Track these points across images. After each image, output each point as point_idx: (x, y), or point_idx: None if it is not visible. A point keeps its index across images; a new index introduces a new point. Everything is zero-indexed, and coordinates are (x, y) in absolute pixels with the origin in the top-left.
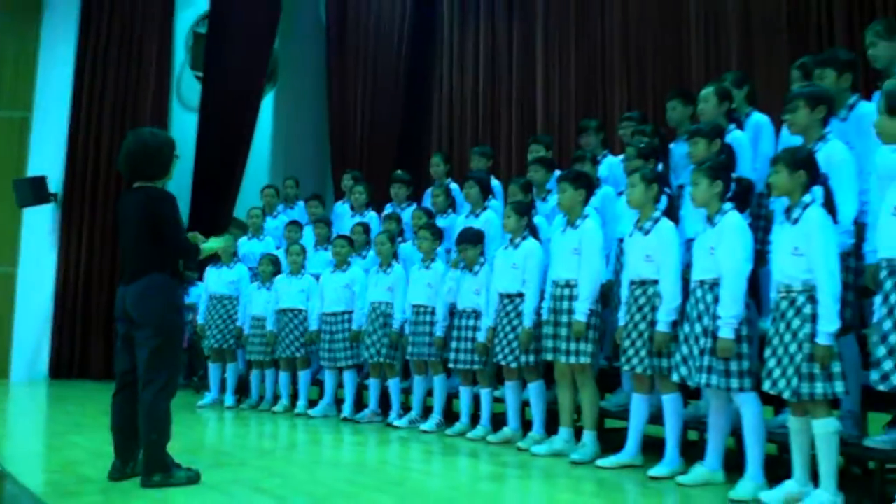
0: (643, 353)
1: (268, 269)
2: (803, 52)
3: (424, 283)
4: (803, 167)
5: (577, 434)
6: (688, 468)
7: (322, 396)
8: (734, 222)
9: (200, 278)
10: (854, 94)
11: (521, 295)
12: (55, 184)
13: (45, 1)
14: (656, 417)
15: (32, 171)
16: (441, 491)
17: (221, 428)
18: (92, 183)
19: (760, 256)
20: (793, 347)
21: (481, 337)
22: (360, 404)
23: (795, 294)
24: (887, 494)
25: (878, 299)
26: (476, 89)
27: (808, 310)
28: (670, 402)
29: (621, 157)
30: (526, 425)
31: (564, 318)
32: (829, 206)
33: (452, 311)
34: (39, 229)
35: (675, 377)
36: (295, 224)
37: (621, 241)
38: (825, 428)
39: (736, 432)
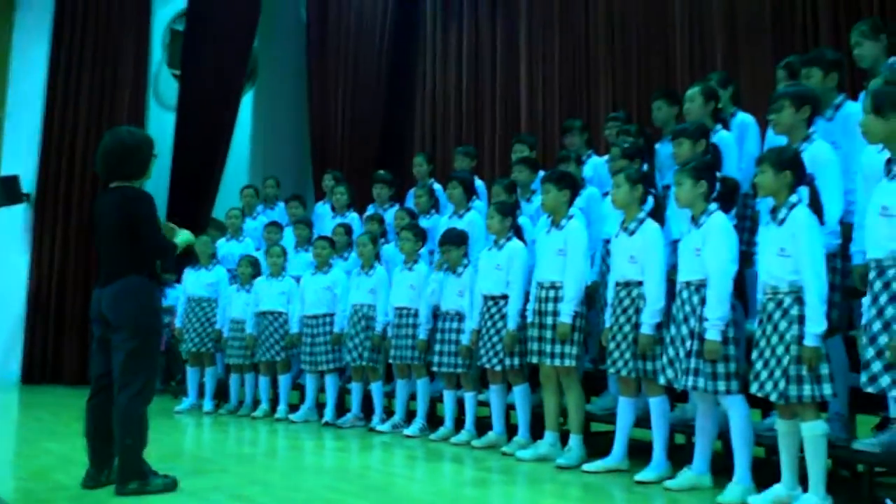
0: (628, 355)
1: (247, 271)
2: (788, 52)
3: (407, 284)
4: (789, 167)
5: (563, 438)
6: (675, 472)
7: (303, 401)
8: (719, 223)
9: (178, 280)
10: (840, 93)
11: (505, 297)
12: (28, 184)
13: None
14: (643, 420)
15: (5, 170)
16: (425, 497)
17: (200, 434)
18: (66, 183)
19: (746, 257)
20: (780, 349)
21: (465, 339)
22: (342, 409)
23: (782, 295)
24: (876, 497)
25: (866, 300)
26: (459, 87)
27: (794, 311)
28: (657, 406)
29: (606, 157)
30: (511, 429)
31: (549, 320)
32: (815, 206)
33: (436, 314)
34: (12, 230)
35: (661, 380)
36: (275, 225)
37: (607, 242)
38: (813, 431)
39: (723, 435)
